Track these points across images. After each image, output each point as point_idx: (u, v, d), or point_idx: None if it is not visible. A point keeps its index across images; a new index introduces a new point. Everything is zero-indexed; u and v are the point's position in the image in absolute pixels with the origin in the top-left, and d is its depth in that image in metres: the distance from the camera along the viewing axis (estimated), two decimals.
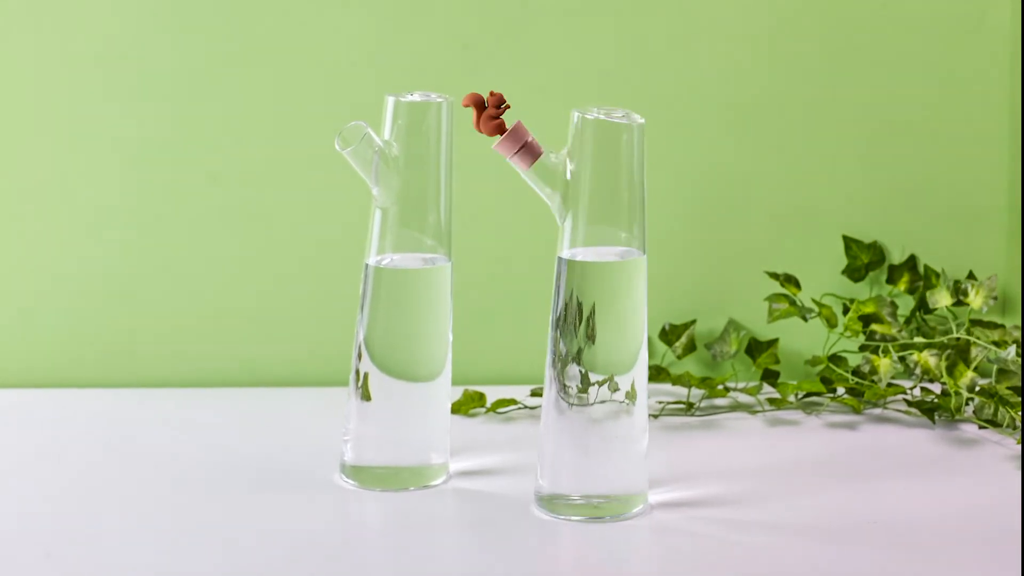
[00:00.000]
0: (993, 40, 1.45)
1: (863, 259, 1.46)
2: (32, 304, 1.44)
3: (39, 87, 1.42)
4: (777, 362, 1.45)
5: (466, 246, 1.34)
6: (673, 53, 1.44)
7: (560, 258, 1.12)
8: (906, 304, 1.47)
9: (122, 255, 1.44)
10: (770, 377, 1.44)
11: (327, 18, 1.42)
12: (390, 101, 1.17)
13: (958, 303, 1.44)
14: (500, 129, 1.11)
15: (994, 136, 1.46)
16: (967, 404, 1.35)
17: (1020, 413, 1.31)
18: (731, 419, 1.37)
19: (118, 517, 1.14)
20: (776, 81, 1.45)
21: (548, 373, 1.13)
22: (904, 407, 1.39)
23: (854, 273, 1.46)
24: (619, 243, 1.12)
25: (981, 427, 1.33)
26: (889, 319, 1.43)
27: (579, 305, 1.12)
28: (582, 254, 1.12)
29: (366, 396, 1.19)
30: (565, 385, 1.12)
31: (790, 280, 1.44)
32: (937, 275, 1.45)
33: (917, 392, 1.41)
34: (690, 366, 1.47)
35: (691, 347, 1.46)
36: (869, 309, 1.43)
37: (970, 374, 1.38)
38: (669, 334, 1.46)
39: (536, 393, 1.39)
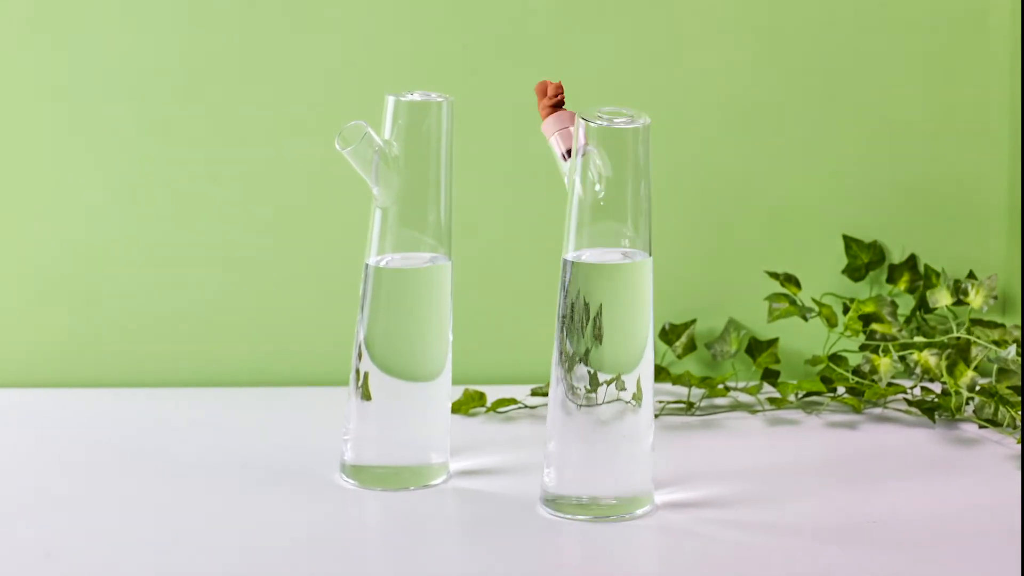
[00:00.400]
0: (993, 40, 1.45)
1: (863, 258, 1.46)
2: (32, 304, 1.44)
3: (39, 87, 1.42)
4: (777, 362, 1.45)
5: (466, 246, 1.34)
6: (673, 53, 1.44)
7: (566, 260, 1.12)
8: (906, 304, 1.47)
9: (122, 255, 1.44)
10: (770, 377, 1.44)
11: (327, 18, 1.42)
12: (390, 101, 1.17)
13: (958, 303, 1.44)
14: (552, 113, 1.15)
15: (994, 136, 1.46)
16: (967, 404, 1.35)
17: (1020, 413, 1.31)
18: (731, 419, 1.37)
19: (118, 517, 1.14)
20: (776, 81, 1.45)
21: (555, 373, 1.13)
22: (904, 407, 1.38)
23: (854, 273, 1.46)
24: (624, 244, 1.11)
25: (981, 427, 1.33)
26: (889, 318, 1.43)
27: (586, 305, 1.12)
28: (588, 256, 1.12)
29: (366, 396, 1.18)
30: (573, 386, 1.12)
31: (790, 280, 1.44)
32: (937, 274, 1.45)
33: (917, 392, 1.41)
34: (690, 366, 1.47)
35: (691, 347, 1.46)
36: (869, 308, 1.43)
37: (970, 373, 1.38)
38: (669, 334, 1.46)
39: (536, 392, 1.39)
